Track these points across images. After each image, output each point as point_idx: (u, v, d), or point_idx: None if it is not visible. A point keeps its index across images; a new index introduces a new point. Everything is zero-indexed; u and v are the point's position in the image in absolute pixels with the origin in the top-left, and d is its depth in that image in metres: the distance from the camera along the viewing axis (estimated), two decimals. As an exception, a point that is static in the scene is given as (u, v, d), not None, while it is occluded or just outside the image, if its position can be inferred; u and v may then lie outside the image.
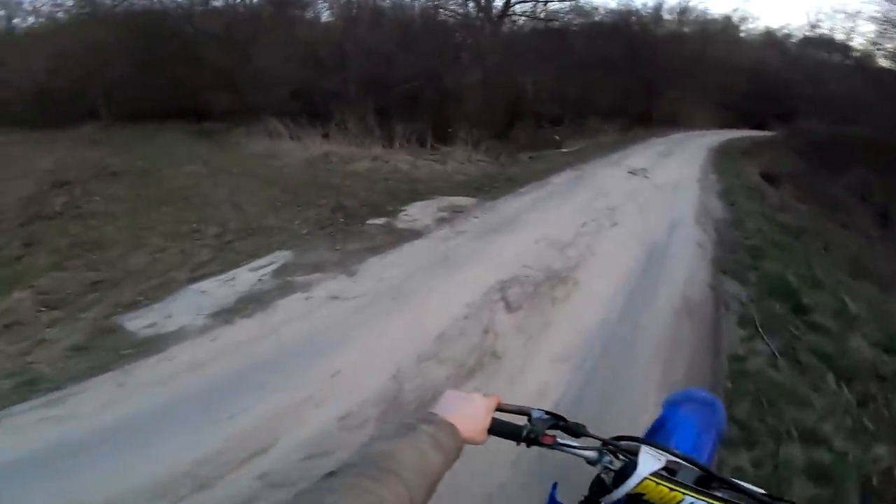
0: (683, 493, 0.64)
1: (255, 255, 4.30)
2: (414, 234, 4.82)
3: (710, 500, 0.63)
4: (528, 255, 4.28)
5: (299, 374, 2.64)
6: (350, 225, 5.06)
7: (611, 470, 0.71)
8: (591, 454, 0.73)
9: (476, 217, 5.45)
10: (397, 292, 3.59)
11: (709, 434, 1.12)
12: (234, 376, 2.64)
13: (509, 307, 3.37)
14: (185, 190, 6.70)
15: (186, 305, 3.44)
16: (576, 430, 0.75)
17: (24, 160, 8.27)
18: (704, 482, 0.69)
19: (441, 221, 5.24)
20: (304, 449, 2.10)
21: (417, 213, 5.49)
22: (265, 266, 4.09)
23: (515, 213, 5.68)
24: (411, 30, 13.51)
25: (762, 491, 0.68)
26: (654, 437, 1.09)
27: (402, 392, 2.48)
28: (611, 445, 0.74)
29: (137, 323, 3.22)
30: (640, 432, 1.02)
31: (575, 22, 17.16)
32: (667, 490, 0.65)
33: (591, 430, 0.75)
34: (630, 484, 0.66)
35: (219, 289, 3.71)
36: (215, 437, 2.16)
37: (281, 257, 4.26)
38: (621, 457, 0.72)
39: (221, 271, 4.01)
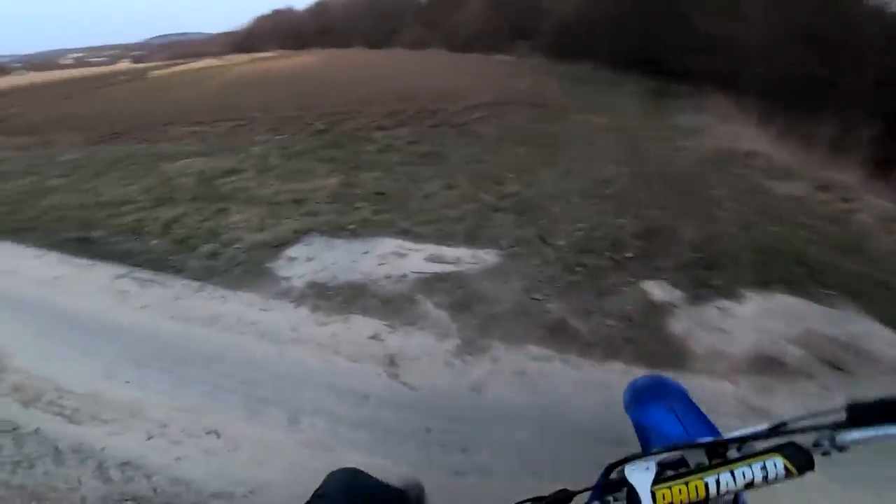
0: (702, 478, 0.55)
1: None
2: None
3: (732, 467, 0.55)
4: None
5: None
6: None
7: None
8: None
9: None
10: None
11: (684, 404, 0.99)
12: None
13: None
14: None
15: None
16: (564, 499, 0.62)
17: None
18: (715, 452, 0.62)
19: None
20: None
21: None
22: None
23: None
24: None
25: (776, 423, 0.60)
26: (647, 446, 0.90)
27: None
28: (597, 491, 0.63)
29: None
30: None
31: None
32: (684, 486, 0.55)
33: (573, 488, 0.63)
34: (646, 503, 0.55)
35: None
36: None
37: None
38: (615, 495, 0.61)
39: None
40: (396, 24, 27.25)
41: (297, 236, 3.63)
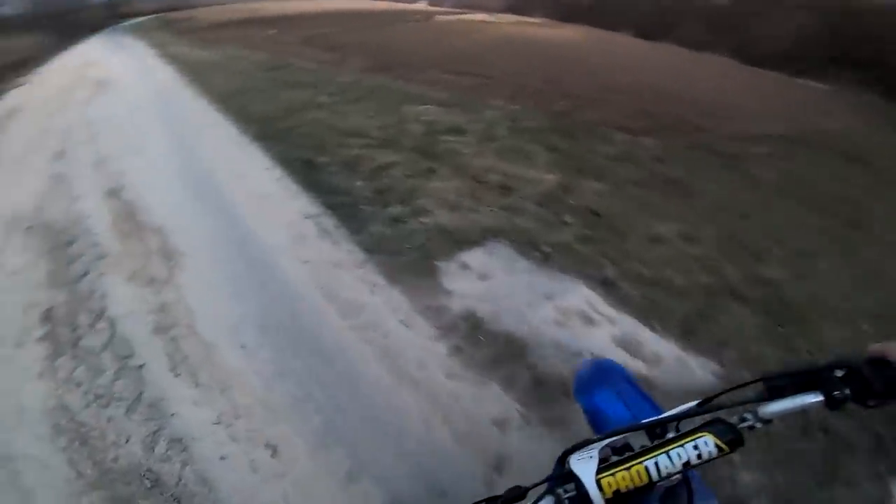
0: (642, 461, 0.57)
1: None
2: None
3: (667, 449, 0.57)
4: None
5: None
6: None
7: (566, 501, 0.58)
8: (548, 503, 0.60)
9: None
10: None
11: (628, 386, 1.01)
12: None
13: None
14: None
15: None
16: (519, 495, 0.61)
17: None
18: (654, 433, 0.63)
19: None
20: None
21: None
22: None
23: None
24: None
25: (702, 399, 0.63)
26: (598, 432, 0.83)
27: None
28: (546, 484, 0.62)
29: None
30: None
31: None
32: (626, 472, 0.57)
33: (524, 484, 0.62)
34: (594, 496, 0.56)
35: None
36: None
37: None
38: (565, 487, 0.59)
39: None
40: (679, 18, 23.65)
41: (483, 237, 3.07)
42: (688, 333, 2.36)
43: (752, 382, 0.59)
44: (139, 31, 26.00)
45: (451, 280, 2.66)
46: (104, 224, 3.17)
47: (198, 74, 8.92)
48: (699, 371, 2.13)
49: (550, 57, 12.29)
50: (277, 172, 3.89)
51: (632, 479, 0.55)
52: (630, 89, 8.58)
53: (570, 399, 1.94)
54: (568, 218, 3.47)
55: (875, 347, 0.57)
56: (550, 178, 4.18)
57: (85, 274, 2.65)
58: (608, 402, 0.95)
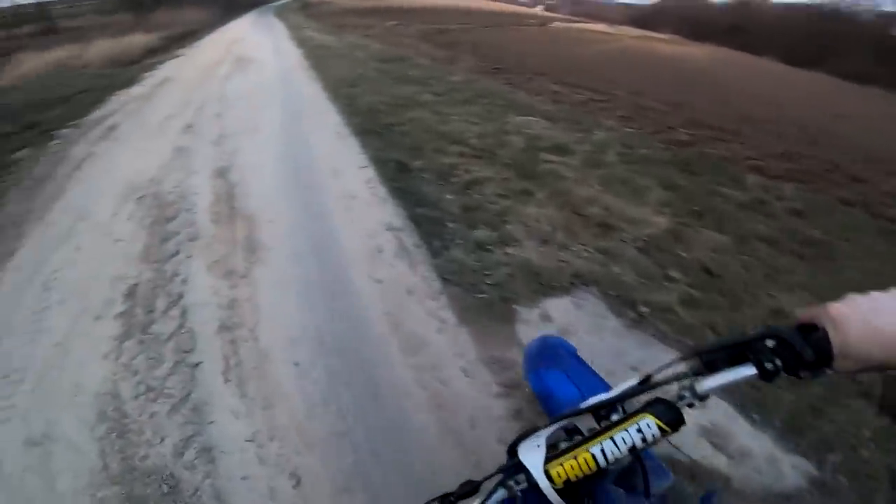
0: (588, 448, 0.55)
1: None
2: None
3: (611, 433, 0.55)
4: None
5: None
6: None
7: (518, 493, 0.58)
8: (500, 495, 0.58)
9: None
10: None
11: (574, 364, 1.00)
12: None
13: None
14: None
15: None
16: (472, 490, 0.60)
17: None
18: (599, 415, 0.61)
19: None
20: None
21: None
22: None
23: None
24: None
25: (641, 377, 0.61)
26: (551, 411, 0.90)
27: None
28: (496, 476, 0.60)
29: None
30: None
31: None
32: (573, 460, 0.55)
33: (476, 479, 0.61)
34: (544, 486, 0.55)
35: None
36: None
37: None
38: (516, 478, 0.58)
39: None
40: (839, 45, 20.21)
41: (573, 284, 2.65)
42: (792, 430, 1.86)
43: (686, 357, 0.57)
44: (282, 12, 28.52)
45: (528, 330, 2.30)
46: (205, 204, 3.29)
47: (318, 60, 9.35)
48: (791, 473, 1.68)
49: (677, 77, 11.14)
50: (370, 172, 3.78)
51: (580, 468, 0.54)
52: (771, 123, 7.41)
53: None
54: (674, 273, 2.92)
55: (805, 314, 0.53)
56: (660, 222, 3.60)
57: (175, 254, 2.72)
58: (557, 383, 0.93)
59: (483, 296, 2.49)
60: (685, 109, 7.95)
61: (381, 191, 3.50)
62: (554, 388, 0.92)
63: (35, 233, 3.10)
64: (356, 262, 2.64)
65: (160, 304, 2.33)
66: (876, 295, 0.50)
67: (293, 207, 3.29)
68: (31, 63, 13.91)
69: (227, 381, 1.94)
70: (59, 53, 14.41)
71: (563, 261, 2.88)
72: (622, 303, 2.55)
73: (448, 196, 3.48)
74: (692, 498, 0.75)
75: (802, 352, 0.49)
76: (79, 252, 2.84)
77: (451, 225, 3.09)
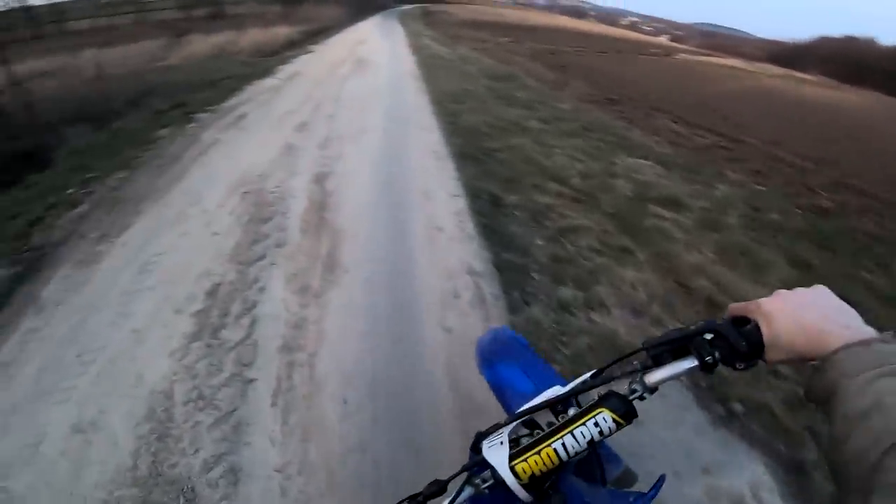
0: (551, 444, 0.57)
1: None
2: None
3: (571, 428, 0.57)
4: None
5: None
6: None
7: (485, 490, 0.58)
8: (468, 493, 0.58)
9: None
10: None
11: (528, 357, 1.00)
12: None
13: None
14: None
15: None
16: (439, 490, 0.59)
17: None
18: (556, 409, 0.64)
19: None
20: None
21: None
22: None
23: None
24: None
25: (594, 370, 0.65)
26: (506, 403, 0.90)
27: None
28: (462, 475, 0.61)
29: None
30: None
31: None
32: (538, 457, 0.57)
33: (441, 477, 0.60)
34: (511, 483, 0.56)
35: None
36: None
37: None
38: (482, 476, 0.59)
39: None
40: None
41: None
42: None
43: (636, 351, 0.59)
44: (405, 18, 29.88)
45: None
46: (299, 210, 3.36)
47: (430, 69, 9.49)
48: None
49: (825, 127, 9.63)
50: (461, 203, 3.61)
51: (544, 463, 0.56)
52: (947, 203, 6.04)
53: None
54: (785, 370, 2.37)
55: (735, 306, 0.57)
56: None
57: (261, 258, 2.77)
58: (512, 376, 0.94)
59: (554, 366, 2.19)
60: (831, 168, 6.81)
61: (469, 226, 3.31)
62: (509, 382, 0.93)
63: (152, 211, 3.38)
64: (429, 304, 2.47)
65: (235, 308, 2.35)
66: (801, 291, 0.54)
67: (378, 227, 3.23)
68: (198, 45, 15.98)
69: (273, 404, 1.87)
70: (220, 38, 16.39)
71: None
72: (712, 396, 2.12)
73: (538, 242, 3.20)
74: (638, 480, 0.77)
75: (736, 344, 0.52)
76: (182, 238, 3.02)
77: (536, 276, 2.81)
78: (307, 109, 6.10)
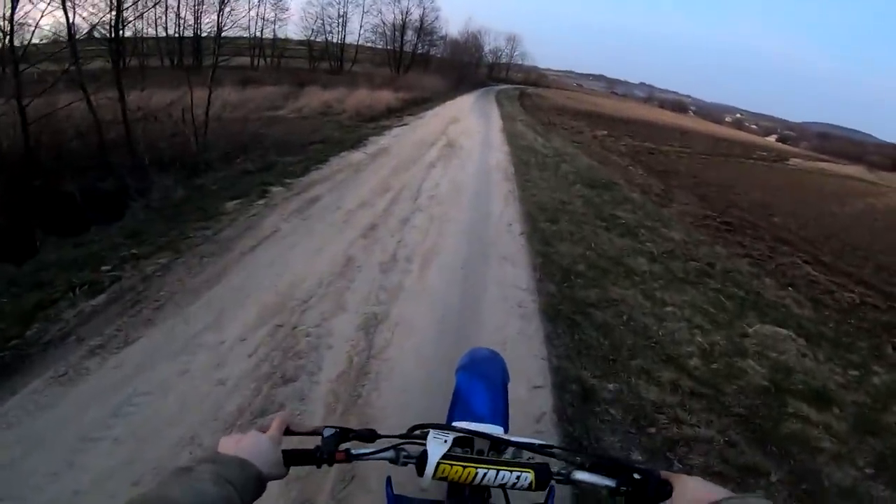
0: (476, 467, 0.67)
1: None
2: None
3: (498, 468, 0.67)
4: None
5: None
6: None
7: (410, 461, 0.72)
8: (389, 454, 0.72)
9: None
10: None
11: (498, 390, 1.10)
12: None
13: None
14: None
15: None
16: (368, 437, 0.73)
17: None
18: (496, 446, 0.77)
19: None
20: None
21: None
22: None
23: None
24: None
25: (544, 442, 0.74)
26: (455, 409, 1.05)
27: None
28: (404, 440, 0.75)
29: None
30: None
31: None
32: (461, 468, 0.67)
33: (382, 431, 0.74)
34: (428, 473, 0.67)
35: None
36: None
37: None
38: (409, 451, 0.73)
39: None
40: None
41: None
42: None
43: (588, 452, 0.89)
44: (500, 97, 30.62)
45: None
46: (331, 374, 2.42)
47: (524, 166, 8.87)
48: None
49: None
50: (542, 400, 2.49)
51: (460, 476, 0.67)
52: None
53: None
54: None
55: (666, 474, 0.65)
56: None
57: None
58: (477, 392, 1.05)
59: None
60: None
61: (553, 439, 2.29)
62: (470, 396, 1.04)
63: (165, 326, 2.78)
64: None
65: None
66: (718, 489, 0.60)
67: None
68: (312, 98, 16.97)
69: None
70: (331, 94, 17.34)
71: None
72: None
73: (637, 458, 2.13)
74: None
75: (649, 490, 0.63)
76: (180, 378, 2.35)
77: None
78: (382, 204, 5.58)
